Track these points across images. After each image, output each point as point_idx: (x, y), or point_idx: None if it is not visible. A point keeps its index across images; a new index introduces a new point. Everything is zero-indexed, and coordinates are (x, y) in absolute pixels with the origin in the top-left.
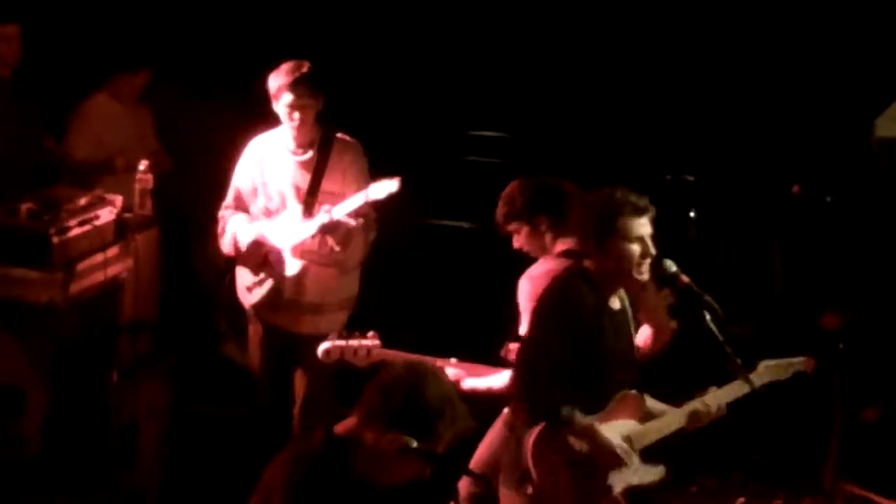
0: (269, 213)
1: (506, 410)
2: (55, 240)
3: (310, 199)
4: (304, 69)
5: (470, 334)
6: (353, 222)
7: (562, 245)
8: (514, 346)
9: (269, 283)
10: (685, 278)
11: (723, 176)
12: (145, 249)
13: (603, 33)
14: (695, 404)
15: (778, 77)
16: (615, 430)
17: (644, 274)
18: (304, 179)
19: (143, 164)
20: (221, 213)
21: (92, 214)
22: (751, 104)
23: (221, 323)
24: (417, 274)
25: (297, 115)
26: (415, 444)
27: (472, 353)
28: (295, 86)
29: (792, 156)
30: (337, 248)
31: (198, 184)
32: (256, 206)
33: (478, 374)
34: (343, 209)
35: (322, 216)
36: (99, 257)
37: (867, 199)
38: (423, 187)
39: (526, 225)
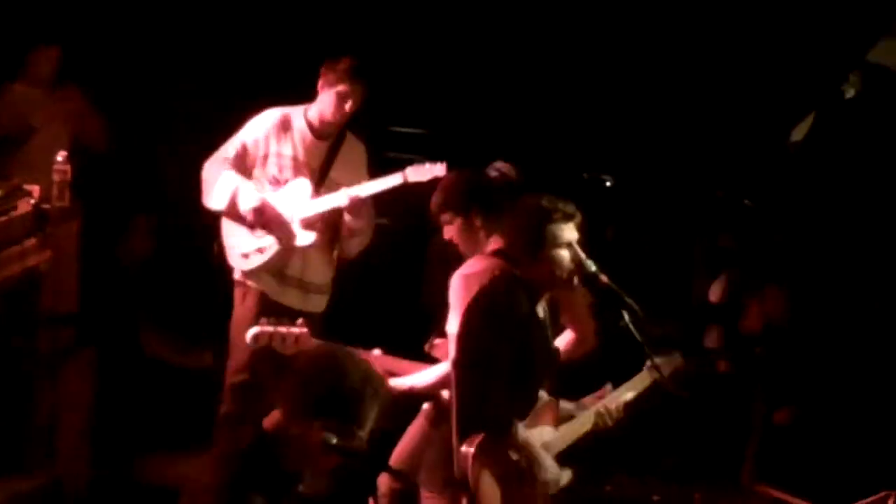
0: (276, 183)
1: (426, 406)
2: None
3: (319, 183)
4: (364, 66)
5: (389, 329)
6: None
7: (495, 243)
8: (438, 342)
9: (272, 252)
10: (604, 278)
11: (642, 177)
12: (64, 241)
13: (522, 30)
14: (598, 407)
15: (696, 82)
16: (536, 437)
17: (577, 281)
18: (318, 163)
19: (61, 156)
20: (216, 164)
21: (9, 205)
22: (668, 107)
23: (143, 317)
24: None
25: (347, 105)
26: (334, 441)
27: (392, 349)
28: (355, 79)
29: (712, 159)
30: (357, 224)
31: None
32: (264, 173)
33: (401, 368)
34: (372, 188)
35: (340, 195)
36: (16, 248)
37: (785, 203)
38: None
39: (460, 216)
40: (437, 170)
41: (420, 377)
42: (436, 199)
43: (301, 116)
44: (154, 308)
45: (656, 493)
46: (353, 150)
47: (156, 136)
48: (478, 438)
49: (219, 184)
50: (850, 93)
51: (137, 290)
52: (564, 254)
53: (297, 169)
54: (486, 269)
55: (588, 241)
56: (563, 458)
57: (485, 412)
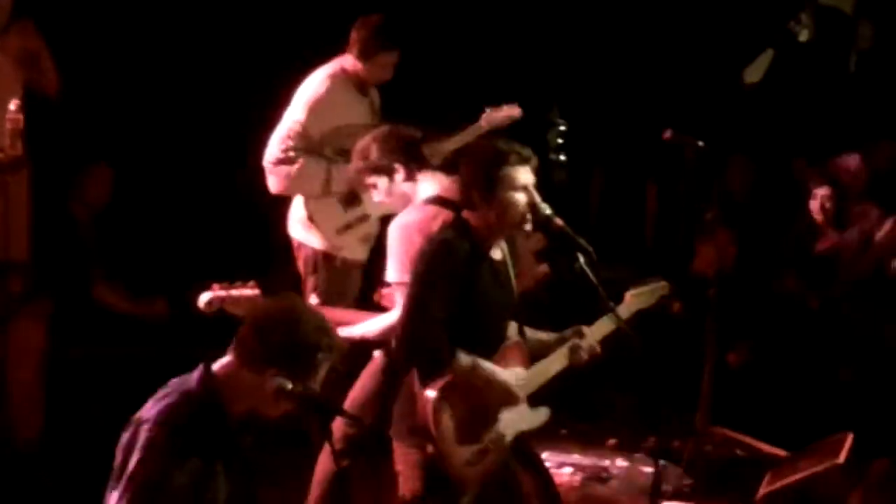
0: (342, 154)
1: (377, 353)
2: None
3: None
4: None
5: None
6: None
7: (428, 190)
8: (386, 291)
9: (364, 227)
10: (559, 221)
11: (594, 119)
12: (15, 190)
13: None
14: (571, 344)
15: (650, 22)
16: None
17: (529, 224)
18: (368, 118)
19: (13, 104)
20: (289, 153)
21: None
22: (622, 48)
23: (96, 266)
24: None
25: (389, 72)
26: (289, 387)
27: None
28: (396, 46)
29: (663, 100)
30: None
31: None
32: (332, 147)
33: (350, 318)
34: (458, 142)
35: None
36: None
37: (737, 144)
38: None
39: (384, 176)
40: (513, 111)
41: (369, 325)
42: (354, 167)
43: (343, 73)
44: (107, 257)
45: (611, 437)
46: (377, 100)
47: (109, 84)
48: (438, 383)
49: (302, 175)
50: (803, 35)
51: (90, 240)
52: (520, 197)
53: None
54: (424, 218)
55: (541, 184)
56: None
57: (435, 355)
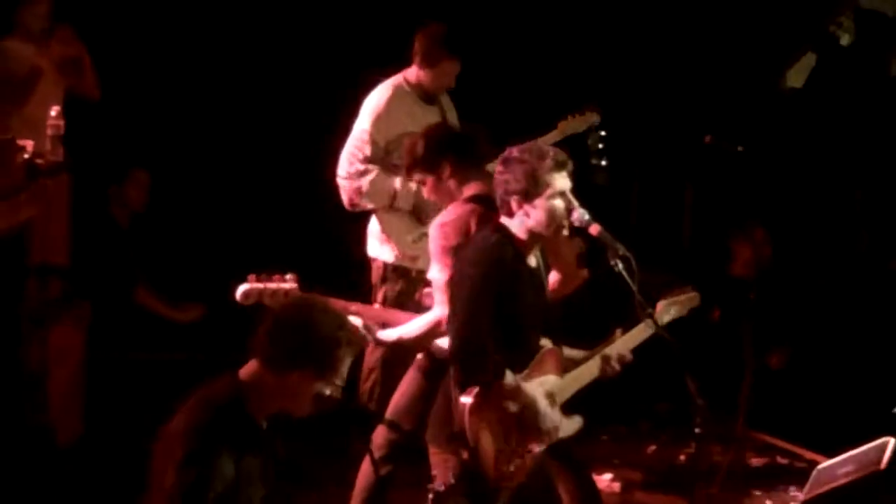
0: None
1: (419, 357)
2: None
3: None
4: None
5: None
6: None
7: (469, 190)
8: (428, 291)
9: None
10: (597, 226)
11: (634, 123)
12: (56, 194)
13: None
14: (606, 352)
15: (691, 25)
16: (538, 386)
17: (567, 230)
18: None
19: (54, 111)
20: (360, 167)
21: (2, 159)
22: (662, 51)
23: (136, 270)
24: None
25: (450, 80)
26: (328, 393)
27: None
28: (458, 54)
29: (703, 105)
30: None
31: None
32: (398, 154)
33: (392, 319)
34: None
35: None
36: (9, 202)
37: (777, 148)
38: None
39: (430, 174)
40: (592, 119)
41: (408, 327)
42: (404, 163)
43: (406, 84)
44: (146, 262)
45: (652, 444)
46: (452, 108)
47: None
48: (475, 390)
49: (372, 189)
50: (844, 39)
51: (130, 244)
52: (558, 202)
53: None
54: (460, 215)
55: (581, 188)
56: (567, 406)
57: (479, 362)
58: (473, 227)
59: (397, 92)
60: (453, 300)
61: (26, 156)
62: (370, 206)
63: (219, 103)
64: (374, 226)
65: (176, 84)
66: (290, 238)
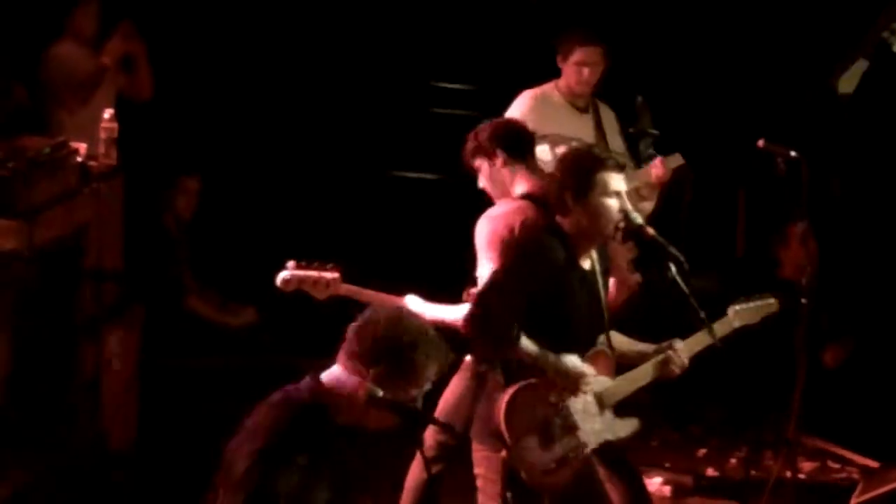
0: None
1: (468, 358)
2: (19, 188)
3: None
4: (593, 30)
5: (435, 285)
6: None
7: (521, 186)
8: (474, 291)
9: None
10: (650, 230)
11: (687, 128)
12: (109, 198)
13: None
14: (663, 356)
15: (744, 30)
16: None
17: (618, 233)
18: (590, 137)
19: (107, 113)
20: None
21: (56, 163)
22: (716, 57)
23: (187, 276)
24: (383, 225)
25: (585, 71)
26: (380, 393)
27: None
28: (586, 44)
29: (757, 109)
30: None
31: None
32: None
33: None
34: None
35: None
36: (63, 206)
37: (830, 153)
38: (388, 139)
39: (486, 160)
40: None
41: (451, 311)
42: (466, 147)
43: (556, 92)
44: (198, 266)
45: (702, 448)
46: (610, 117)
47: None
48: (511, 389)
49: None
50: None
51: (182, 248)
52: (612, 202)
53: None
54: (510, 212)
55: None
56: (621, 408)
57: (498, 334)
58: (519, 225)
59: (540, 100)
60: (488, 278)
61: (80, 159)
62: None
63: (272, 103)
64: None
65: (230, 85)
66: (343, 238)
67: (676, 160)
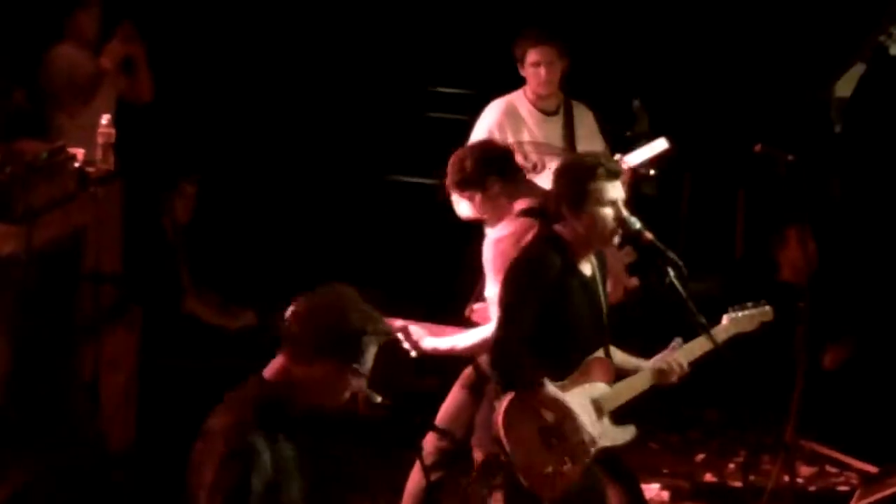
0: (531, 170)
1: (466, 372)
2: (17, 192)
3: None
4: (545, 28)
5: (432, 291)
6: None
7: (520, 204)
8: (477, 307)
9: None
10: (648, 235)
11: (685, 133)
12: (107, 202)
13: None
14: (661, 363)
15: (742, 32)
16: (584, 393)
17: (616, 239)
18: (558, 139)
19: (105, 118)
20: None
21: (54, 167)
22: (713, 62)
23: (185, 278)
24: (380, 230)
25: (542, 72)
26: (379, 399)
27: (434, 310)
28: (539, 43)
29: (754, 114)
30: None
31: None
32: None
33: (437, 333)
34: (643, 155)
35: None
36: (61, 210)
37: (829, 156)
38: (385, 144)
39: (479, 191)
40: (662, 146)
41: (461, 339)
42: (451, 180)
43: (523, 99)
44: (197, 268)
45: (701, 452)
46: (585, 118)
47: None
48: (507, 398)
49: None
50: (894, 49)
51: (181, 250)
52: (608, 211)
53: (541, 151)
54: (515, 231)
55: (631, 198)
56: (619, 414)
57: (514, 370)
58: (529, 241)
59: (507, 108)
60: (500, 308)
61: (77, 164)
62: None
63: (271, 107)
64: None
65: (228, 89)
66: (342, 245)
67: (661, 145)
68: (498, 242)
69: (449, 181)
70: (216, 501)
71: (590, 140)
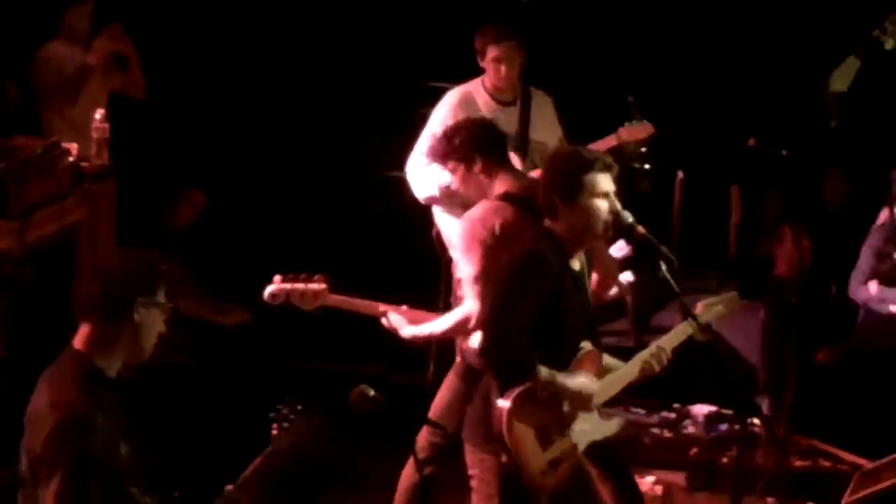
0: None
1: (458, 361)
2: (11, 188)
3: (520, 149)
4: (507, 26)
5: (426, 284)
6: None
7: (500, 187)
8: (461, 295)
9: None
10: (641, 229)
11: (678, 127)
12: (102, 198)
13: None
14: (645, 354)
15: (734, 29)
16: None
17: (608, 232)
18: (513, 129)
19: (98, 114)
20: (416, 162)
21: (48, 163)
22: (706, 56)
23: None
24: (374, 225)
25: (503, 68)
26: (372, 394)
27: (427, 303)
28: (500, 41)
29: (748, 108)
30: None
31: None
32: None
33: (419, 319)
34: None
35: None
36: (55, 206)
37: (820, 152)
38: (380, 139)
39: (461, 164)
40: (648, 129)
41: (437, 323)
42: (436, 149)
43: (480, 88)
44: (190, 265)
45: (694, 447)
46: (543, 106)
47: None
48: (512, 394)
49: (424, 178)
50: (889, 44)
51: (174, 247)
52: (602, 204)
53: None
54: (491, 211)
55: (624, 192)
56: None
57: (515, 362)
58: (498, 226)
59: (464, 98)
60: (487, 301)
61: (71, 159)
62: (422, 195)
63: (264, 104)
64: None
65: (222, 87)
66: (337, 244)
67: (646, 128)
68: (469, 221)
69: (433, 152)
70: (57, 473)
71: (547, 128)
